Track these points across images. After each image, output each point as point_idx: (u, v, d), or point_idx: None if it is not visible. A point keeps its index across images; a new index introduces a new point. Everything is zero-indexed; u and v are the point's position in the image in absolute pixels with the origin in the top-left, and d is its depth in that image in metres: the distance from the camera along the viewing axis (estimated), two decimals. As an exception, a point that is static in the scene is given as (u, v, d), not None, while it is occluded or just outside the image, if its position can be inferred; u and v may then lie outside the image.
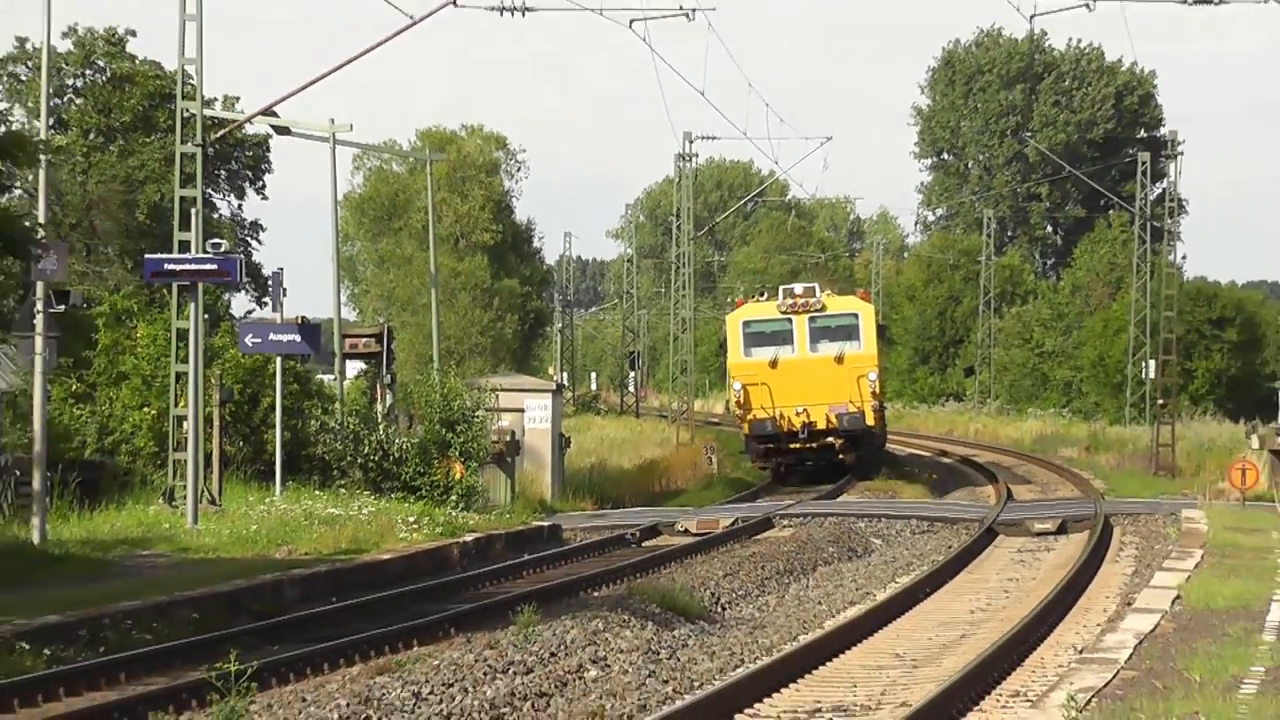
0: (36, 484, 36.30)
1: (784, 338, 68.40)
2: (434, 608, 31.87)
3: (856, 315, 69.12)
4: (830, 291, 73.39)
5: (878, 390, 69.21)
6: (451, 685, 23.12)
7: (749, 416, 68.08)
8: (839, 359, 67.33)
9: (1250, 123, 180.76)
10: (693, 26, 58.68)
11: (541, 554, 42.66)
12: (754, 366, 68.26)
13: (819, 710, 22.61)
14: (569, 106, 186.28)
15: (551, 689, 23.36)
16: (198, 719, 20.62)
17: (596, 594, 34.08)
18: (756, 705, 22.81)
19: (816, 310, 68.39)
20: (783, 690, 23.89)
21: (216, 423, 44.01)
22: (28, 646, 24.75)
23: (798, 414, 66.44)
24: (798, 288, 72.16)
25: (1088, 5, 54.51)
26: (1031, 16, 60.70)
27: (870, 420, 67.70)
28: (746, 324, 69.70)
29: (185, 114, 44.80)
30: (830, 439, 67.45)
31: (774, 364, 67.53)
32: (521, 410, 57.23)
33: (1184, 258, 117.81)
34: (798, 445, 68.14)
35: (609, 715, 21.98)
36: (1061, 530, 46.25)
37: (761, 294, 75.32)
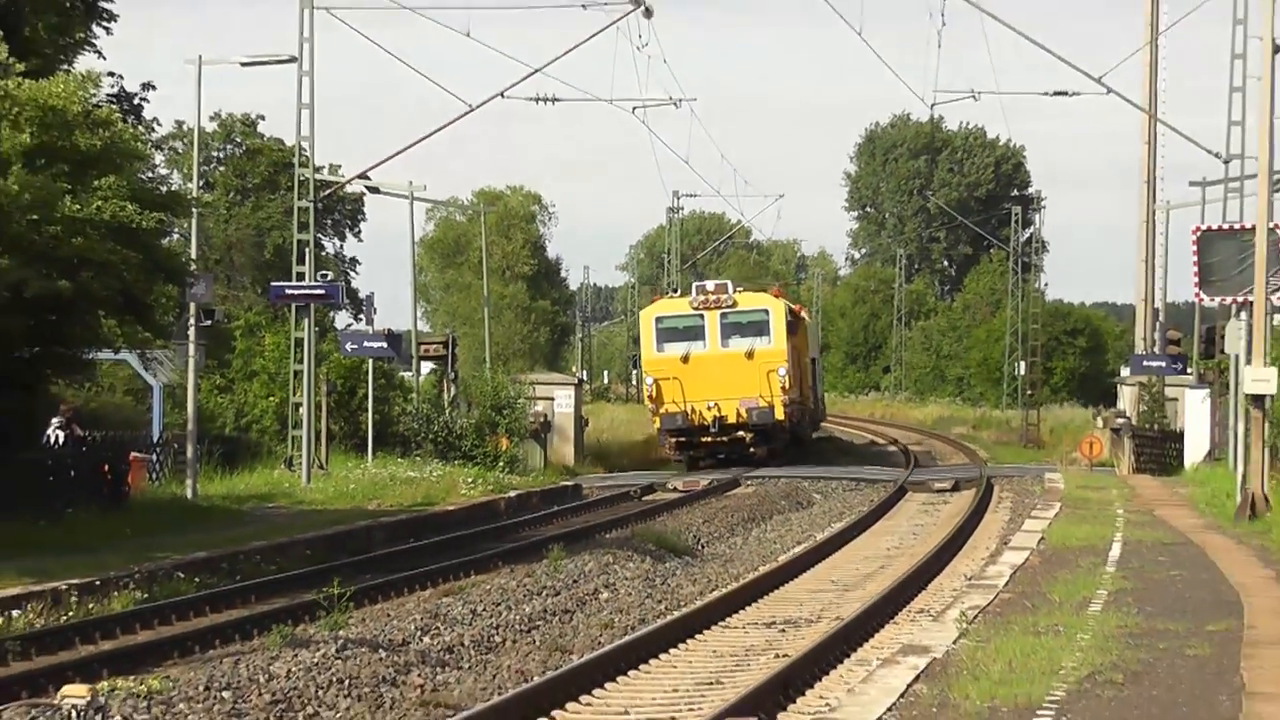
0: (190, 454, 36.74)
1: (696, 333, 55.47)
2: (485, 546, 31.92)
3: (767, 311, 56.03)
4: (743, 288, 60.01)
5: (787, 385, 54.83)
6: (499, 604, 23.21)
7: (662, 410, 54.95)
8: (749, 354, 54.66)
9: (1094, 181, 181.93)
10: (680, 111, 58.79)
11: (566, 506, 42.91)
12: (666, 362, 55.23)
13: (774, 623, 22.55)
14: (588, 168, 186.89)
15: (574, 607, 23.45)
16: (310, 629, 20.64)
17: (608, 536, 34.01)
18: (728, 619, 22.78)
19: (728, 306, 55.56)
20: (747, 608, 23.93)
21: (324, 408, 44.43)
22: (183, 575, 24.93)
23: (709, 408, 53.88)
24: (709, 284, 58.66)
25: (974, 96, 55.26)
26: (932, 105, 61.73)
27: (780, 414, 54.60)
28: (659, 320, 56.54)
29: (301, 178, 44.84)
30: (741, 432, 54.79)
31: (686, 359, 54.71)
32: (552, 399, 56.95)
33: (1045, 284, 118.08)
34: (709, 439, 55.20)
35: (617, 627, 21.96)
36: (955, 488, 46.21)
37: (675, 290, 61.98)
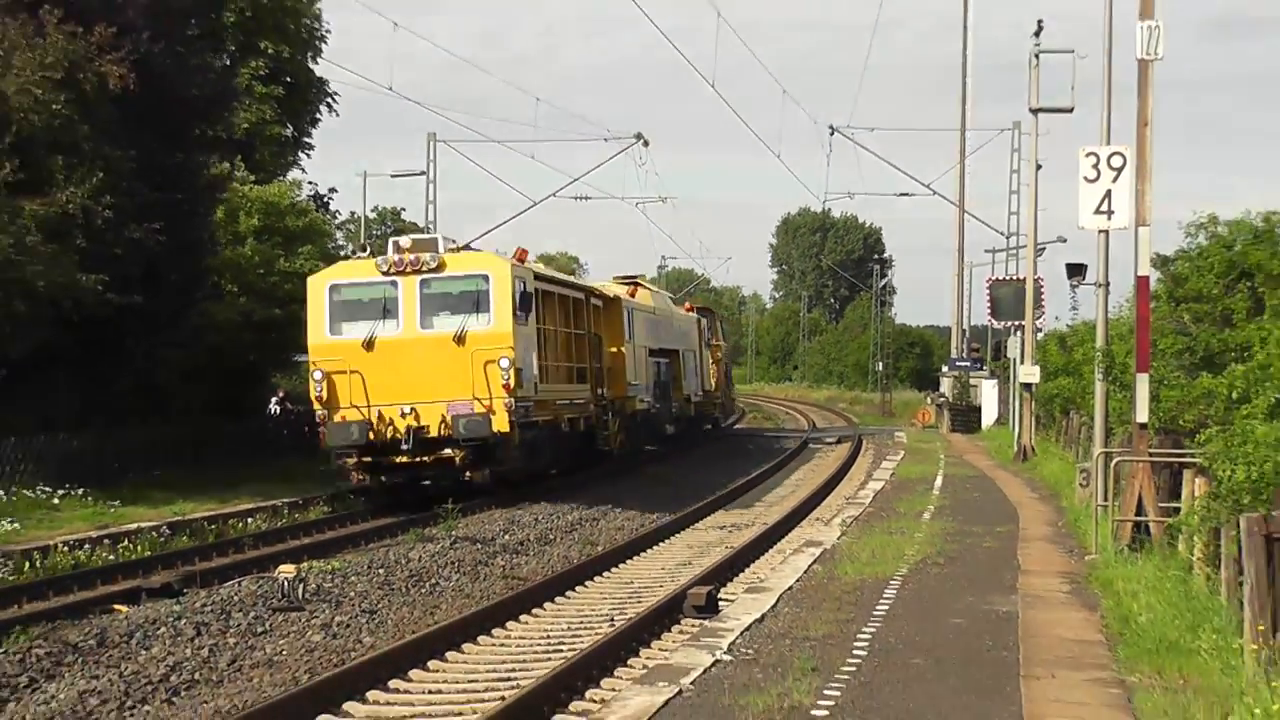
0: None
1: (386, 308, 23.47)
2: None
3: (486, 277, 23.19)
4: (456, 244, 24.95)
5: (511, 383, 22.42)
6: (553, 515, 22.67)
7: (334, 418, 22.59)
8: (459, 338, 22.85)
9: (925, 248, 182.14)
10: (665, 205, 58.16)
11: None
12: (342, 348, 22.95)
13: (724, 526, 22.49)
14: (605, 240, 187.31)
15: (598, 517, 23.28)
16: (433, 531, 20.31)
17: (628, 474, 33.79)
18: (696, 523, 22.74)
19: (431, 270, 23.40)
20: (708, 516, 23.87)
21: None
22: (353, 496, 24.01)
23: (403, 415, 22.61)
24: (405, 239, 24.56)
25: (849, 195, 57.17)
26: (824, 201, 63.10)
27: (501, 424, 22.46)
28: (335, 289, 23.44)
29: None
30: (448, 449, 22.94)
31: (370, 345, 23.03)
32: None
33: (895, 313, 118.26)
34: (404, 459, 22.75)
35: (626, 528, 21.95)
36: (839, 442, 46.08)
37: (364, 249, 24.70)
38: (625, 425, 30.70)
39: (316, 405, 22.34)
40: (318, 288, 23.18)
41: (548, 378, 24.66)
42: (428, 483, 23.42)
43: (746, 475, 31.73)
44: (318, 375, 22.36)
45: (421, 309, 22.85)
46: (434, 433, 22.24)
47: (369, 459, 22.69)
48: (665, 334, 36.48)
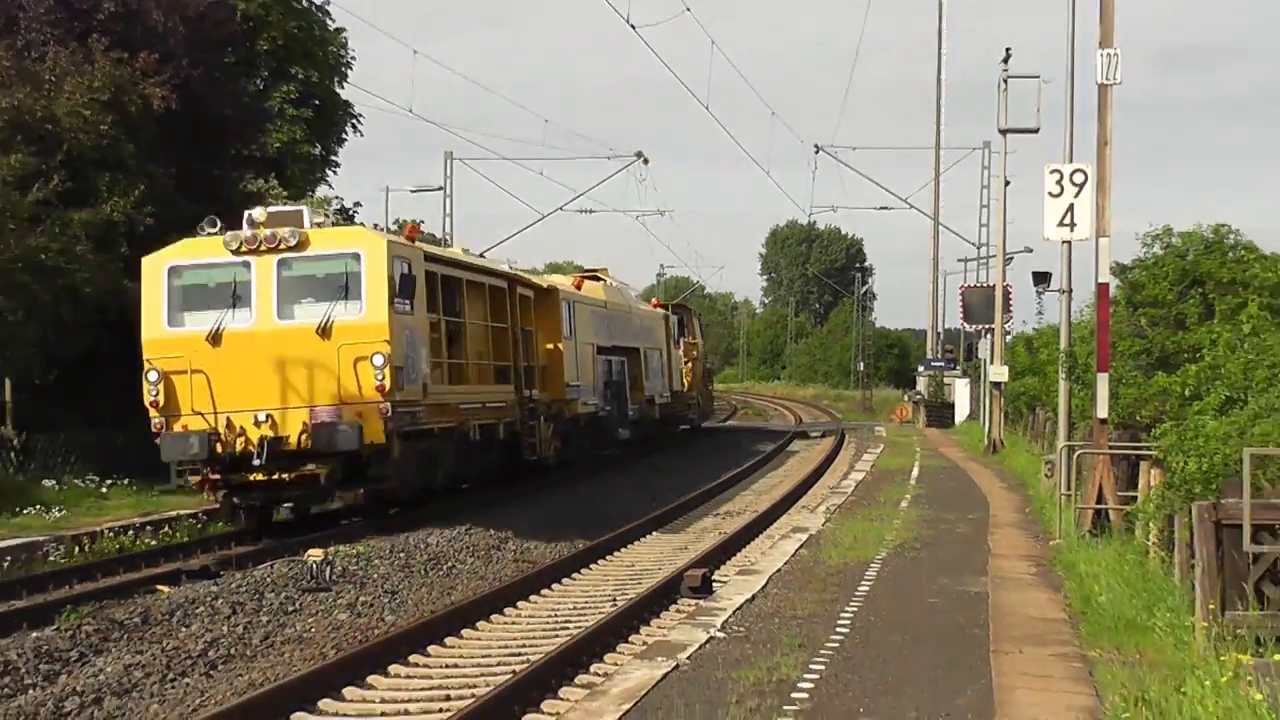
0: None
1: (237, 295, 16.23)
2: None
3: (358, 256, 16.44)
4: (327, 216, 21.49)
5: (386, 383, 15.99)
6: (560, 505, 22.60)
7: (172, 427, 16.10)
8: (324, 330, 16.04)
9: (904, 257, 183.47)
10: (664, 217, 58.19)
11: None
12: (183, 343, 16.17)
13: (718, 513, 22.42)
14: (608, 250, 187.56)
15: (607, 501, 23.15)
16: (451, 519, 20.21)
17: (634, 464, 33.65)
18: (690, 511, 22.59)
19: (291, 249, 16.28)
20: (702, 504, 23.76)
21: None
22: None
23: (256, 423, 15.82)
24: (259, 211, 16.83)
25: (833, 209, 56.24)
26: (809, 214, 62.63)
27: (375, 434, 16.07)
28: (174, 272, 16.55)
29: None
30: (311, 465, 16.25)
31: (216, 339, 16.10)
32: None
33: (875, 318, 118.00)
34: (258, 476, 16.11)
35: (626, 511, 21.92)
36: (824, 435, 46.01)
37: (213, 224, 16.92)
38: (563, 431, 25.20)
39: (153, 412, 16.55)
40: (153, 270, 16.97)
41: (450, 377, 19.17)
42: (289, 505, 18.34)
43: (740, 465, 31.56)
44: (153, 376, 16.50)
45: (279, 295, 16.69)
46: (294, 444, 16.18)
47: (217, 476, 16.84)
48: (621, 331, 30.98)
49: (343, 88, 34.40)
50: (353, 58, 34.35)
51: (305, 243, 16.83)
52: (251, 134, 28.81)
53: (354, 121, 35.31)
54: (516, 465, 23.14)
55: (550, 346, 24.92)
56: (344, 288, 16.64)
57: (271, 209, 17.61)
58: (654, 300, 40.19)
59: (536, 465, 23.79)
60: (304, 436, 16.27)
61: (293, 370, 16.48)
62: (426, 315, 18.06)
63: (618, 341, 30.49)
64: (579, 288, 27.99)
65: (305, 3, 32.52)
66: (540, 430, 23.32)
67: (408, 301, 17.18)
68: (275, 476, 16.62)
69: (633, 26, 25.51)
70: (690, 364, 41.19)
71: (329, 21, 33.34)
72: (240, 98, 28.30)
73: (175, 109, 24.28)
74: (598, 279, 30.63)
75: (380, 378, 16.27)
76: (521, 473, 23.74)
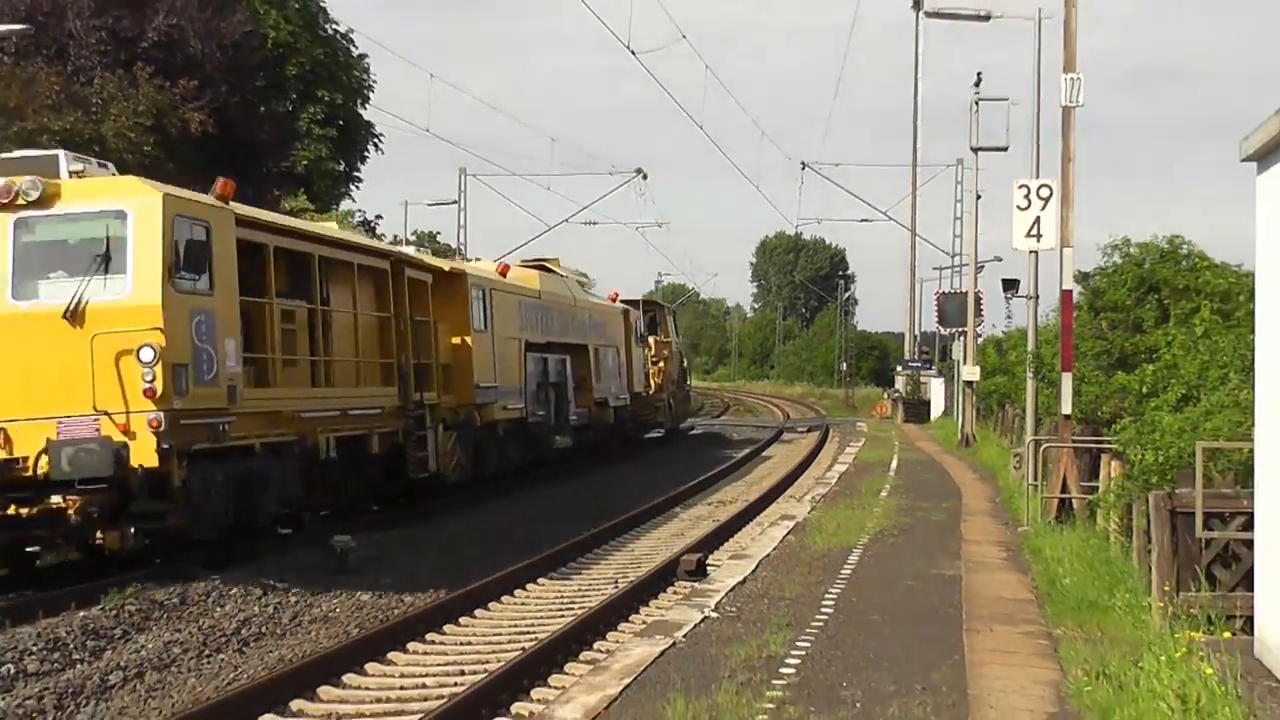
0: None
1: None
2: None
3: (123, 215, 10.14)
4: (91, 165, 10.66)
5: (158, 388, 9.91)
6: (568, 495, 22.66)
7: None
8: (74, 314, 9.63)
9: (885, 264, 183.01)
10: (661, 228, 58.34)
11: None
12: None
13: (712, 502, 22.31)
14: (608, 258, 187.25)
15: (615, 484, 23.13)
16: (461, 514, 20.06)
17: (636, 457, 33.50)
18: (688, 499, 22.51)
19: (32, 205, 9.75)
20: (698, 494, 23.61)
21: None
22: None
23: None
24: None
25: (818, 220, 56.77)
26: (796, 225, 62.65)
27: (145, 455, 10.10)
28: None
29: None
30: (57, 497, 9.84)
31: None
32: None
33: (856, 321, 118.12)
34: None
35: (628, 498, 21.87)
36: (809, 430, 45.85)
37: None
38: (473, 442, 19.88)
39: None
40: None
41: (282, 378, 13.76)
42: (34, 549, 12.29)
43: (732, 457, 31.41)
44: None
45: (15, 267, 11.06)
46: (34, 469, 10.84)
47: None
48: (563, 325, 25.19)
49: (365, 109, 34.42)
50: (374, 81, 34.35)
51: (53, 197, 11.12)
52: (282, 153, 28.99)
53: (375, 140, 35.30)
54: (406, 484, 17.49)
55: (456, 341, 19.39)
56: (104, 257, 10.96)
57: (15, 154, 12.14)
58: (611, 293, 32.31)
59: (431, 484, 18.01)
60: (44, 458, 10.75)
61: (32, 368, 10.95)
62: (238, 298, 12.51)
63: (557, 337, 24.59)
64: (504, 274, 22.31)
65: (331, 30, 32.63)
66: (437, 441, 17.75)
67: (200, 277, 11.69)
68: (9, 512, 11.05)
69: (633, 52, 25.46)
70: (661, 364, 35.27)
71: (352, 48, 33.45)
72: (271, 120, 28.49)
73: (212, 132, 24.52)
74: (545, 268, 25.71)
75: (149, 378, 10.72)
76: (412, 495, 18.03)
